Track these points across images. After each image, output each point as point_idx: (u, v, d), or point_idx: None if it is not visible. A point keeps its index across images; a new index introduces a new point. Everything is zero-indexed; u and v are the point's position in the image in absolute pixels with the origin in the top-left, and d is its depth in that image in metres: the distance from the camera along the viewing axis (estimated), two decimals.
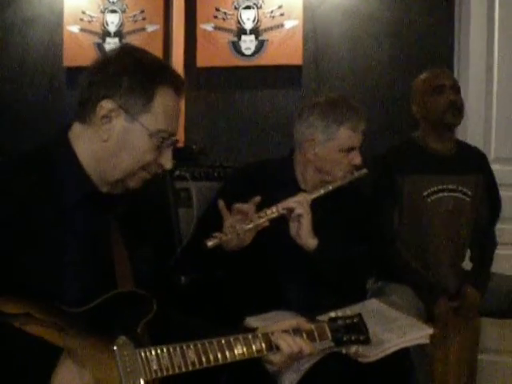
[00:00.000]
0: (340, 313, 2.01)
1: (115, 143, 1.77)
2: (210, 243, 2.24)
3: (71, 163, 1.78)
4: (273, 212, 2.39)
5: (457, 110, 3.15)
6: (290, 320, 1.98)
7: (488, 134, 3.94)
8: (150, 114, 1.77)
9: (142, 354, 1.66)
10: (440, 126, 3.17)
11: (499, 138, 3.94)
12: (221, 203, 2.36)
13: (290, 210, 2.43)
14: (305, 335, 1.93)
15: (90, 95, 1.77)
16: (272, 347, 1.86)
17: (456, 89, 3.20)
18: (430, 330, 2.33)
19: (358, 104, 2.63)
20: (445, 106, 3.13)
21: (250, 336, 1.84)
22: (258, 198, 2.35)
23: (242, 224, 2.31)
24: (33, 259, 1.66)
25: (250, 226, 2.32)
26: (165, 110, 1.78)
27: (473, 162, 3.26)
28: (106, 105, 1.75)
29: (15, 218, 1.65)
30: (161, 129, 1.78)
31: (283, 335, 1.89)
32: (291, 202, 2.44)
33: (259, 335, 1.87)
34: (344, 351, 2.04)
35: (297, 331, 1.92)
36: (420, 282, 3.01)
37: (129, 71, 1.76)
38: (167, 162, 1.83)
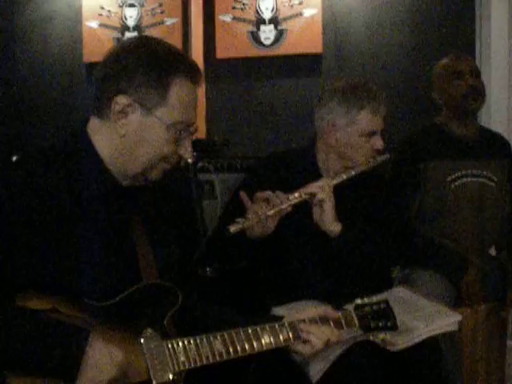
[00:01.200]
0: (366, 299, 1.99)
1: (133, 138, 1.76)
2: (232, 228, 2.24)
3: (91, 158, 1.78)
4: (295, 197, 2.38)
5: (477, 94, 3.12)
6: (316, 308, 1.97)
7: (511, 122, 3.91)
8: (166, 107, 1.75)
9: (169, 346, 1.66)
10: (461, 110, 3.15)
11: None
12: (242, 193, 2.35)
13: (313, 195, 2.42)
14: (332, 323, 1.91)
15: (104, 90, 1.76)
16: (299, 336, 1.85)
17: (475, 73, 3.17)
18: (459, 317, 2.31)
19: (378, 88, 2.61)
20: (464, 90, 3.11)
21: (276, 325, 1.83)
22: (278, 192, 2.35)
23: (264, 210, 2.30)
24: (56, 254, 1.66)
25: (272, 211, 2.31)
26: (181, 101, 1.76)
27: (497, 148, 3.23)
28: (121, 100, 1.73)
29: (38, 213, 1.65)
30: (178, 120, 1.76)
31: (311, 326, 1.87)
32: (313, 187, 2.43)
33: (286, 324, 1.85)
34: (372, 338, 2.03)
35: (324, 319, 1.90)
36: (446, 258, 2.99)
37: (142, 64, 1.74)
38: (186, 152, 1.81)
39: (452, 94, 3.15)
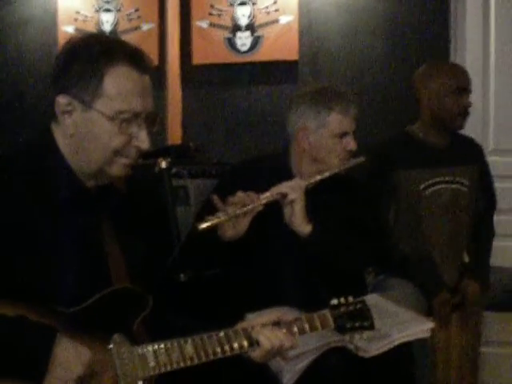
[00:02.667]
0: (342, 299, 1.97)
1: (81, 136, 1.73)
2: (201, 225, 2.24)
3: (57, 161, 1.76)
4: (266, 196, 2.39)
5: (467, 115, 3.15)
6: (272, 314, 1.93)
7: (486, 126, 3.94)
8: (103, 98, 1.70)
9: (139, 351, 1.65)
10: (447, 125, 3.15)
11: (497, 130, 3.94)
12: (214, 197, 2.35)
13: (284, 196, 2.43)
14: (307, 324, 1.88)
15: (51, 93, 1.75)
16: (253, 343, 1.81)
17: (469, 88, 3.19)
18: (431, 324, 2.32)
19: (347, 89, 2.65)
20: (460, 109, 3.12)
21: (249, 328, 1.81)
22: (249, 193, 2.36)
23: (234, 208, 2.30)
24: (25, 260, 1.64)
25: (243, 209, 2.31)
26: (119, 90, 1.71)
27: (468, 153, 3.25)
28: (61, 100, 1.72)
29: (5, 218, 1.64)
30: (119, 110, 1.71)
31: (262, 329, 1.82)
32: (284, 187, 2.44)
33: (258, 327, 1.82)
34: (348, 340, 2.01)
35: (276, 324, 1.85)
36: (419, 275, 2.99)
37: (76, 59, 1.72)
38: (142, 142, 1.75)
39: (446, 108, 3.13)
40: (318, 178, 2.53)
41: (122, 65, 1.71)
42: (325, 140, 2.57)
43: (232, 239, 2.35)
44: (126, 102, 1.71)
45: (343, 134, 2.57)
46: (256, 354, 1.81)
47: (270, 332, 1.82)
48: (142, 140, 1.75)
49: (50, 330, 1.57)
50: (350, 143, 2.58)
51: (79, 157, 1.76)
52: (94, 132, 1.72)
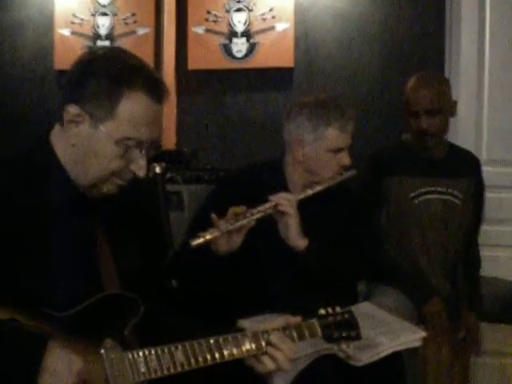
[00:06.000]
0: (330, 310, 1.98)
1: (82, 149, 1.73)
2: (193, 243, 2.23)
3: (53, 165, 1.76)
4: (259, 211, 2.37)
5: (431, 135, 3.07)
6: (278, 319, 1.95)
7: (479, 136, 3.95)
8: (114, 121, 1.69)
9: (130, 357, 1.64)
10: (421, 144, 3.14)
11: (490, 140, 3.94)
12: (213, 216, 2.33)
13: (277, 210, 2.42)
14: (295, 332, 1.89)
15: (62, 97, 1.74)
16: (262, 347, 1.82)
17: (433, 111, 3.05)
18: (423, 333, 2.33)
19: (346, 104, 2.62)
20: (419, 132, 3.08)
21: (239, 336, 1.81)
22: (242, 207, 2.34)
23: (227, 224, 2.30)
24: (17, 263, 1.64)
25: (233, 226, 2.30)
26: (131, 117, 1.70)
27: (465, 166, 3.24)
28: (71, 109, 1.71)
29: None
30: (126, 136, 1.71)
31: (281, 342, 1.82)
32: (276, 198, 2.43)
33: (248, 334, 1.83)
34: (336, 348, 2.02)
35: (286, 328, 1.87)
36: (410, 283, 2.99)
37: (96, 74, 1.70)
38: (139, 169, 1.76)
39: (411, 130, 3.13)
40: (310, 192, 2.52)
41: (141, 91, 1.71)
42: (320, 153, 2.57)
43: (226, 254, 2.34)
44: (136, 129, 1.71)
45: (339, 149, 2.57)
46: (270, 365, 1.82)
47: (287, 345, 1.83)
48: (140, 167, 1.76)
49: (40, 337, 1.56)
50: (345, 159, 2.58)
51: (77, 167, 1.76)
52: (95, 150, 1.72)
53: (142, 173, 1.77)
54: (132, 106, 1.70)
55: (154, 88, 1.74)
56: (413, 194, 3.10)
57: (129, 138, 1.71)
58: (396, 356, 2.28)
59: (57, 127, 1.79)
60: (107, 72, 1.70)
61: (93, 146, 1.72)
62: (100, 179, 1.75)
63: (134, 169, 1.76)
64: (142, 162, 1.76)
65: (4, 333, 1.55)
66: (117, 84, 1.69)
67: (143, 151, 1.75)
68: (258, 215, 2.36)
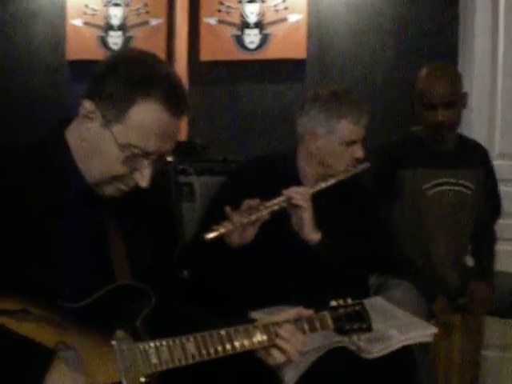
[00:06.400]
0: (342, 302, 1.98)
1: (90, 145, 1.72)
2: (208, 236, 2.23)
3: (64, 158, 1.75)
4: (273, 204, 2.37)
5: (449, 126, 3.06)
6: (290, 310, 1.94)
7: (492, 130, 3.93)
8: (122, 125, 1.67)
9: (141, 348, 1.64)
10: (435, 136, 3.12)
11: (503, 133, 3.93)
12: (227, 209, 2.32)
13: (291, 203, 2.42)
14: (306, 324, 1.89)
15: (84, 90, 1.73)
16: (273, 338, 1.82)
17: (449, 103, 3.03)
18: (434, 329, 2.32)
19: (360, 97, 2.61)
20: (436, 123, 3.05)
21: (250, 327, 1.81)
22: (256, 201, 2.34)
23: (240, 218, 2.29)
24: (29, 255, 1.64)
25: (249, 218, 2.30)
26: (142, 126, 1.67)
27: (474, 156, 3.23)
28: (87, 105, 1.70)
29: (11, 213, 1.63)
30: (132, 144, 1.68)
31: (290, 334, 1.83)
32: (291, 193, 2.42)
33: (260, 326, 1.83)
34: (348, 341, 2.02)
35: (297, 320, 1.88)
36: (422, 278, 2.98)
37: (117, 75, 1.68)
38: (142, 179, 1.73)
39: (426, 122, 3.12)
40: (323, 185, 2.51)
41: (157, 102, 1.67)
42: (333, 146, 2.55)
43: (239, 246, 2.34)
44: (143, 139, 1.68)
45: (352, 142, 2.55)
46: (280, 357, 1.83)
47: (296, 337, 1.84)
48: (144, 178, 1.73)
49: (46, 351, 1.55)
50: (358, 151, 2.57)
51: (83, 162, 1.75)
52: (101, 150, 1.71)
53: (144, 183, 1.74)
54: (143, 115, 1.67)
55: (173, 101, 1.69)
56: (426, 186, 3.09)
57: (134, 146, 1.69)
58: (407, 350, 2.28)
59: (75, 120, 1.79)
60: (127, 75, 1.68)
61: (99, 145, 1.71)
62: (102, 180, 1.74)
63: (136, 177, 1.73)
64: (146, 173, 1.73)
65: (10, 344, 1.54)
66: (133, 89, 1.67)
67: (150, 162, 1.72)
68: (272, 208, 2.36)
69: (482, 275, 3.10)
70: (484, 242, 3.22)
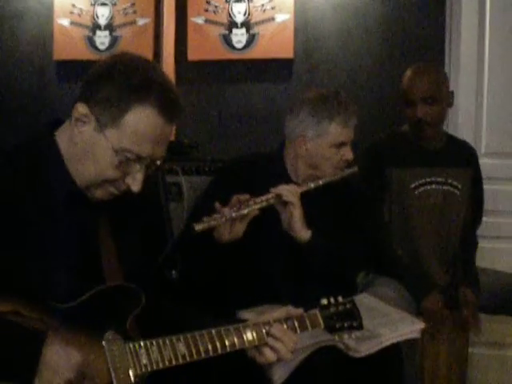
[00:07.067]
0: (332, 300, 1.99)
1: (82, 149, 1.73)
2: (197, 227, 2.24)
3: (53, 159, 1.76)
4: (262, 200, 2.38)
5: (429, 122, 3.07)
6: (279, 310, 1.95)
7: (479, 128, 3.94)
8: (117, 130, 1.68)
9: (131, 348, 1.65)
10: (417, 134, 3.14)
11: (490, 132, 3.94)
12: (217, 204, 2.34)
13: (280, 200, 2.43)
14: (297, 324, 1.90)
15: (78, 93, 1.74)
16: (264, 337, 1.83)
17: (430, 99, 3.06)
18: (422, 325, 2.33)
19: (348, 99, 2.62)
20: (415, 120, 3.08)
21: (240, 326, 1.82)
22: (245, 196, 2.35)
23: (230, 210, 2.31)
24: (20, 257, 1.64)
25: (239, 212, 2.31)
26: (135, 130, 1.68)
27: (462, 156, 3.25)
28: (80, 108, 1.70)
29: (1, 214, 1.64)
30: (126, 148, 1.69)
31: (281, 333, 1.84)
32: (280, 190, 2.43)
33: (250, 325, 1.84)
34: (337, 339, 2.02)
35: (288, 319, 1.89)
36: (410, 275, 3.00)
37: (113, 80, 1.69)
38: (134, 184, 1.74)
39: (407, 119, 3.14)
40: (312, 185, 2.53)
41: (151, 107, 1.68)
42: (322, 149, 2.57)
43: (228, 242, 2.35)
44: (137, 144, 1.69)
45: (341, 144, 2.57)
46: (270, 356, 1.84)
47: (288, 335, 1.85)
48: (136, 182, 1.74)
49: (39, 332, 1.56)
50: (347, 153, 2.58)
51: (74, 165, 1.75)
52: (94, 154, 1.71)
53: (136, 188, 1.75)
54: (138, 120, 1.68)
55: (168, 107, 1.71)
56: (413, 185, 3.11)
57: (128, 151, 1.69)
58: (394, 348, 2.29)
59: (67, 122, 1.79)
60: (123, 80, 1.68)
61: (92, 149, 1.71)
62: (93, 183, 1.74)
63: (128, 182, 1.74)
64: (139, 177, 1.74)
65: (2, 327, 1.55)
66: (128, 94, 1.67)
67: (142, 166, 1.73)
68: (262, 204, 2.38)
69: (468, 282, 3.11)
70: (464, 247, 3.22)
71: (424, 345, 2.99)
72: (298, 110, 2.60)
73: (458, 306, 3.08)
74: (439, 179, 3.13)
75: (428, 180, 3.13)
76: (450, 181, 3.14)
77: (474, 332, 3.11)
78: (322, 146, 2.56)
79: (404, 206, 3.11)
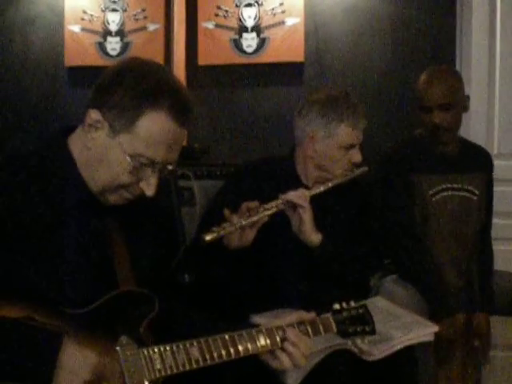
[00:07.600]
0: (345, 304, 1.99)
1: (95, 154, 1.73)
2: (207, 237, 2.23)
3: (67, 165, 1.76)
4: (272, 207, 2.38)
5: (444, 130, 3.02)
6: (292, 314, 1.95)
7: (491, 130, 3.94)
8: (132, 135, 1.69)
9: (145, 353, 1.65)
10: (434, 140, 3.12)
11: (502, 134, 3.94)
12: (226, 211, 2.34)
13: (290, 205, 2.42)
14: (309, 329, 1.91)
15: (89, 99, 1.74)
16: (276, 342, 1.82)
17: (445, 106, 3.00)
18: (435, 328, 2.32)
19: (357, 101, 2.62)
20: (432, 127, 3.03)
21: (253, 331, 1.81)
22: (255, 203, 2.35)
23: (239, 219, 2.30)
24: (32, 262, 1.65)
25: (248, 220, 2.31)
26: (149, 135, 1.69)
27: (478, 161, 3.21)
28: (93, 114, 1.71)
29: (13, 220, 1.64)
30: (140, 153, 1.69)
31: (297, 339, 1.83)
32: (289, 196, 2.43)
33: (263, 330, 1.83)
34: (350, 343, 2.02)
35: (301, 324, 1.88)
36: (423, 282, 2.96)
37: (125, 86, 1.69)
38: (148, 189, 1.75)
39: (423, 125, 3.11)
40: (322, 189, 2.52)
41: (164, 111, 1.69)
42: (331, 150, 2.56)
43: (238, 249, 2.35)
44: (151, 149, 1.70)
45: (350, 146, 2.56)
46: (286, 361, 1.82)
47: (304, 341, 1.84)
48: (150, 187, 1.75)
49: (56, 333, 1.57)
50: (356, 156, 2.58)
51: (88, 171, 1.76)
52: (108, 159, 1.72)
53: (150, 192, 1.76)
54: (152, 125, 1.69)
55: (180, 111, 1.72)
56: (431, 192, 3.07)
57: (142, 156, 1.70)
58: (408, 351, 2.28)
59: (79, 129, 1.80)
60: (135, 86, 1.69)
61: (106, 154, 1.72)
62: (108, 189, 1.75)
63: (143, 186, 1.75)
64: (153, 181, 1.75)
65: (20, 330, 1.56)
66: (141, 100, 1.68)
67: (156, 171, 1.74)
68: (272, 210, 2.37)
69: (483, 306, 3.08)
70: (483, 263, 3.19)
71: (439, 355, 2.96)
72: (307, 111, 2.59)
73: (472, 312, 3.06)
74: (456, 185, 3.09)
75: (446, 186, 3.09)
76: (466, 186, 3.09)
77: (483, 362, 3.10)
78: (330, 147, 2.56)
79: (421, 212, 3.09)
